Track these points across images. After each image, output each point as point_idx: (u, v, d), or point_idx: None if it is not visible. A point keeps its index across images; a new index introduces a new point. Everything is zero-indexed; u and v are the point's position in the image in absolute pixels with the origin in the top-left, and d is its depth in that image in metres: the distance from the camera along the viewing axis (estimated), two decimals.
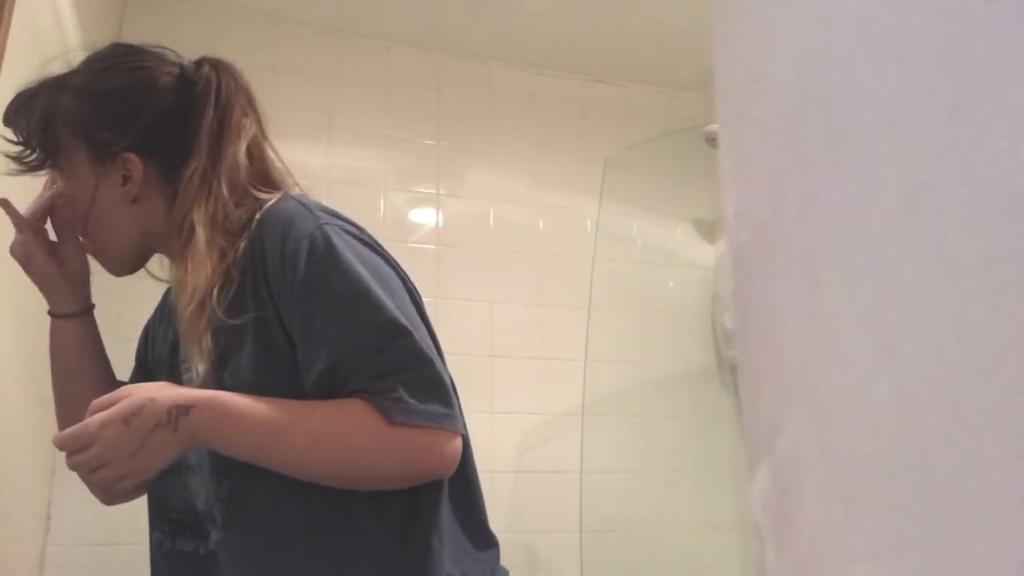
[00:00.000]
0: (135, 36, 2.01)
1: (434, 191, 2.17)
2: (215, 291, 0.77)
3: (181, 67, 0.89)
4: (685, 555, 2.05)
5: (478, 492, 0.85)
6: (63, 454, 0.71)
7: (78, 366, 0.94)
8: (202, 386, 0.77)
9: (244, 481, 0.76)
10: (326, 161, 2.07)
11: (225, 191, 0.81)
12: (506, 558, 0.86)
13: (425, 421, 0.72)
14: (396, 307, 0.75)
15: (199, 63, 0.90)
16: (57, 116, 0.84)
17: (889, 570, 0.23)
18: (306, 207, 0.80)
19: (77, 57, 0.89)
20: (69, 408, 0.92)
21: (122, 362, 1.01)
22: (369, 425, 0.71)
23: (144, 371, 1.00)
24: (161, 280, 0.94)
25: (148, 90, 0.86)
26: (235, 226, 0.81)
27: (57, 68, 0.88)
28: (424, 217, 2.15)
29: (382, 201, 2.11)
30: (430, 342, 0.78)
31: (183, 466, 0.82)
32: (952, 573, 0.21)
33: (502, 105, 2.30)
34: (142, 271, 0.93)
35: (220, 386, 0.77)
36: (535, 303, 2.15)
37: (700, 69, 2.34)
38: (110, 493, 0.89)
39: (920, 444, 0.22)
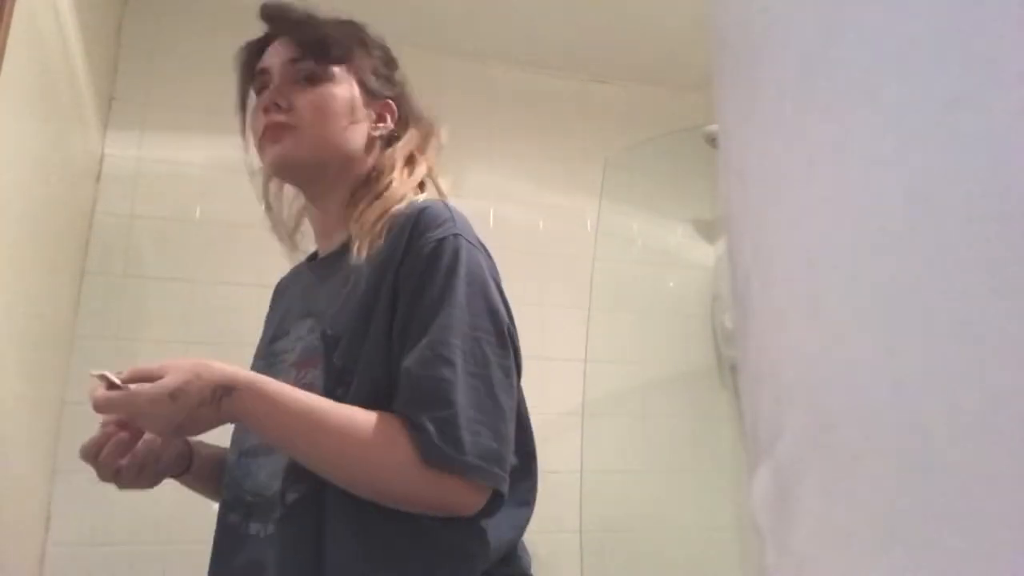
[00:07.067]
0: (135, 36, 2.02)
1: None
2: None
3: None
4: (685, 555, 2.05)
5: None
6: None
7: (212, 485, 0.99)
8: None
9: (312, 488, 0.78)
10: None
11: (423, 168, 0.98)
12: None
13: (456, 469, 0.74)
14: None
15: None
16: (356, 46, 1.02)
17: (889, 570, 0.23)
18: (450, 211, 0.89)
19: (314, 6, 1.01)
20: None
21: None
22: (401, 457, 0.74)
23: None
24: (294, 254, 1.04)
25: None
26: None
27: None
28: None
29: None
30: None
31: (260, 448, 0.84)
32: (952, 573, 0.21)
33: (502, 105, 2.30)
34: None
35: (328, 364, 0.82)
36: (535, 303, 2.15)
37: (700, 69, 2.34)
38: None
39: (920, 444, 0.22)
